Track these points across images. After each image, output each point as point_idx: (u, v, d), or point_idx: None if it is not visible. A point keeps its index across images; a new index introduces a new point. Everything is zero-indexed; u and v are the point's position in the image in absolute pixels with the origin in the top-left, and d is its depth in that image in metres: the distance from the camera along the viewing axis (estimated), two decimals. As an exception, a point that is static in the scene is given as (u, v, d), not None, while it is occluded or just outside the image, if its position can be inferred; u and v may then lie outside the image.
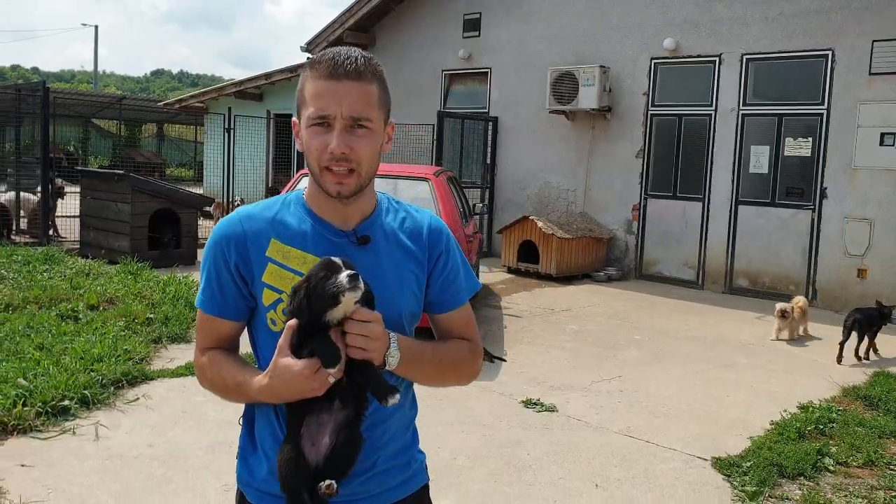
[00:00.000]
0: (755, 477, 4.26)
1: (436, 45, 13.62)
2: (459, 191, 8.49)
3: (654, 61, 10.95)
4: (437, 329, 1.80)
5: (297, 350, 1.50)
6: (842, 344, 6.93)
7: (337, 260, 1.51)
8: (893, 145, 9.02)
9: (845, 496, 4.14)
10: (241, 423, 1.77)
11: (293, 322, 1.49)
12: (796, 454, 4.55)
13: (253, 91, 17.59)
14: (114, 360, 5.55)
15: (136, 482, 3.97)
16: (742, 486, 4.19)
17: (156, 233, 10.45)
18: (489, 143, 12.73)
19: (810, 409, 5.44)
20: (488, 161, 12.79)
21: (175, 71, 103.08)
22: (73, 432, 4.54)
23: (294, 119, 1.66)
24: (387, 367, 1.54)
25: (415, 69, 13.90)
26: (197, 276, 9.10)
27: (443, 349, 1.74)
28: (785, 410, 5.39)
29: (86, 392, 4.96)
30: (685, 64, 10.73)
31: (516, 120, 12.56)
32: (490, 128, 12.75)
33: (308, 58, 1.36)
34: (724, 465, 4.44)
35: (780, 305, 7.73)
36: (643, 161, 11.21)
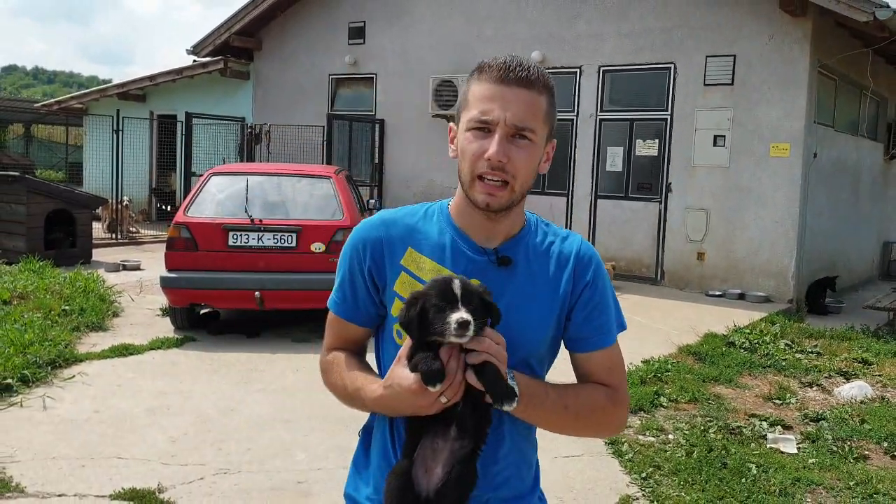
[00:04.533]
0: (605, 412, 5.36)
1: (322, 51, 14.33)
2: (355, 188, 9.29)
3: (523, 70, 12.11)
4: (577, 371, 1.63)
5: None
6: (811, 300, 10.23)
7: (456, 288, 1.36)
8: (724, 146, 10.56)
9: (673, 422, 5.31)
10: (360, 434, 1.67)
11: None
12: (638, 395, 5.71)
13: (136, 92, 17.62)
14: (43, 345, 6.05)
15: (91, 439, 4.60)
16: (595, 418, 5.27)
17: (50, 233, 10.65)
18: (377, 143, 13.57)
19: (651, 362, 6.67)
20: (376, 160, 13.65)
21: (29, 67, 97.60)
22: (21, 405, 5.09)
23: (451, 125, 1.57)
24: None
25: (302, 73, 14.57)
26: (99, 272, 9.35)
27: (571, 394, 1.55)
28: (631, 363, 6.58)
29: (25, 372, 5.49)
30: (551, 74, 11.93)
31: (402, 122, 13.46)
32: (377, 129, 13.60)
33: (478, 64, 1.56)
34: (582, 405, 5.52)
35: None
36: (516, 160, 12.35)
